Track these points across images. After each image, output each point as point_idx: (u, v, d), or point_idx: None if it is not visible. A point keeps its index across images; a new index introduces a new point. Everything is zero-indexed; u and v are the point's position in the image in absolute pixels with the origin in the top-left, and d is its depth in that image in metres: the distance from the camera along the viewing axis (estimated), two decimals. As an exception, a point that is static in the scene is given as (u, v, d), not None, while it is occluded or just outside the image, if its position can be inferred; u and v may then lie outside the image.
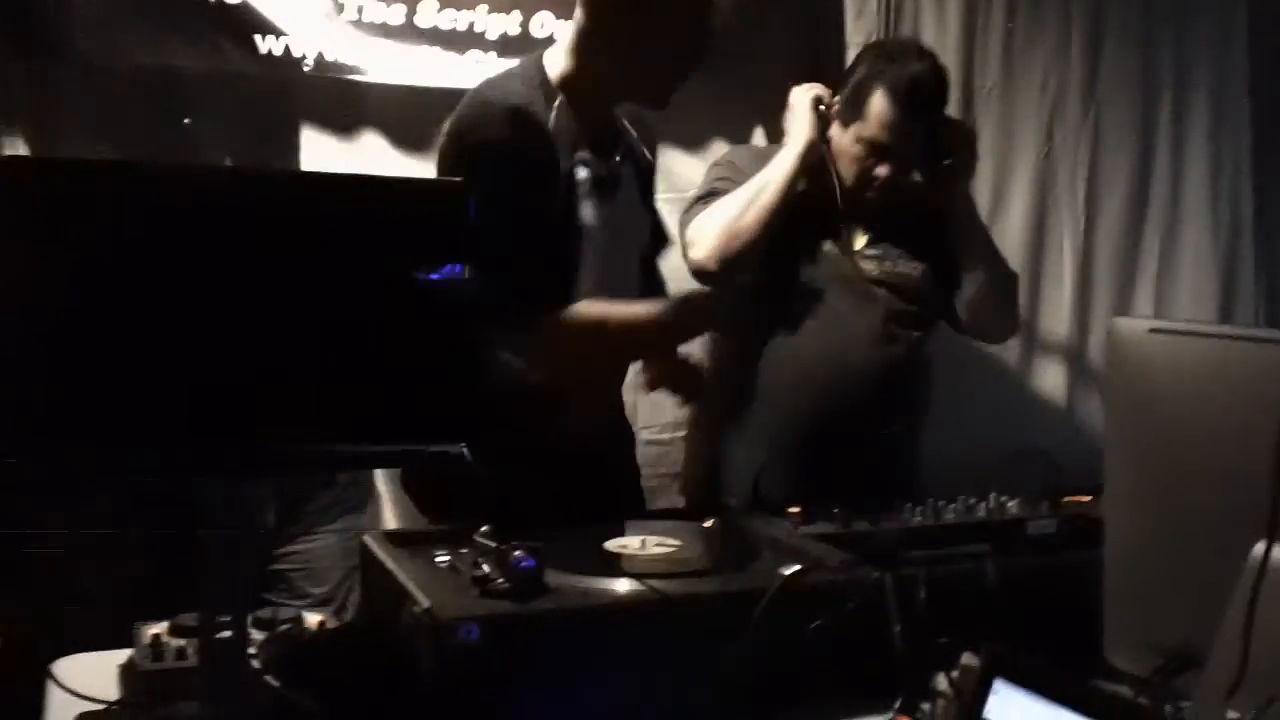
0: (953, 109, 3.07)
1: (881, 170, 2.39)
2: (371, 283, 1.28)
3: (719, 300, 2.20)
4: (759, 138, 2.97)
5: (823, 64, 2.96)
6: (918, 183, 2.48)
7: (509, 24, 2.77)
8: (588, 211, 2.09)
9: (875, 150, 2.37)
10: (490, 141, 1.96)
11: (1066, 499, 2.01)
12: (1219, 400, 1.30)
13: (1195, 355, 1.38)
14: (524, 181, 1.93)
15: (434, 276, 1.29)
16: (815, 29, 3.02)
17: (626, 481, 2.41)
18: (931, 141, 2.39)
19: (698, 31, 2.03)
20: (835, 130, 2.44)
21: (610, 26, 2.02)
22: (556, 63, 2.08)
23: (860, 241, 2.50)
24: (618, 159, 2.17)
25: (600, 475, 2.14)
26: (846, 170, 2.43)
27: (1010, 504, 1.98)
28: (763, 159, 2.45)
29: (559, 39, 2.14)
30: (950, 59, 3.09)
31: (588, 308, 2.00)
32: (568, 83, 2.08)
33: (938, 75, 2.40)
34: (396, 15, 2.68)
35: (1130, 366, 1.40)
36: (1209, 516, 1.28)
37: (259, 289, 1.24)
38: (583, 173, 2.09)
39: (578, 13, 2.05)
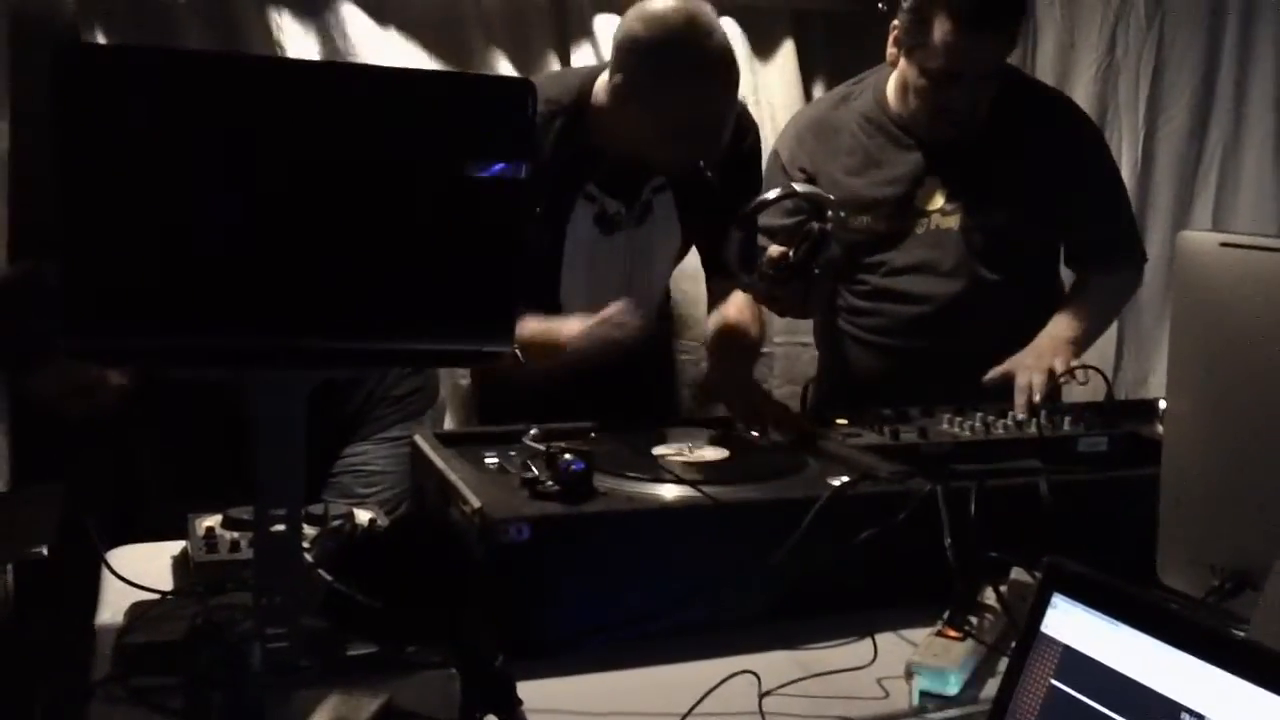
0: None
1: (955, 98, 2.19)
2: (431, 178, 1.26)
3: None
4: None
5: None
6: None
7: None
8: (583, 237, 2.09)
9: (945, 79, 2.16)
10: None
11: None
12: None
13: (1267, 270, 1.35)
14: None
15: (490, 173, 1.27)
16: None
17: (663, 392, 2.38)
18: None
19: (708, 138, 1.98)
20: (900, 62, 2.23)
21: (626, 100, 1.97)
22: (601, 88, 2.03)
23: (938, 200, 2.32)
24: (646, 194, 2.13)
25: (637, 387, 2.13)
26: (916, 106, 2.25)
27: (1063, 420, 1.95)
28: None
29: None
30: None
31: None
32: (599, 113, 2.03)
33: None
34: None
35: (1199, 281, 1.37)
36: (1273, 436, 1.27)
37: (324, 184, 1.22)
38: (584, 207, 2.07)
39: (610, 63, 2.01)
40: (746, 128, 2.18)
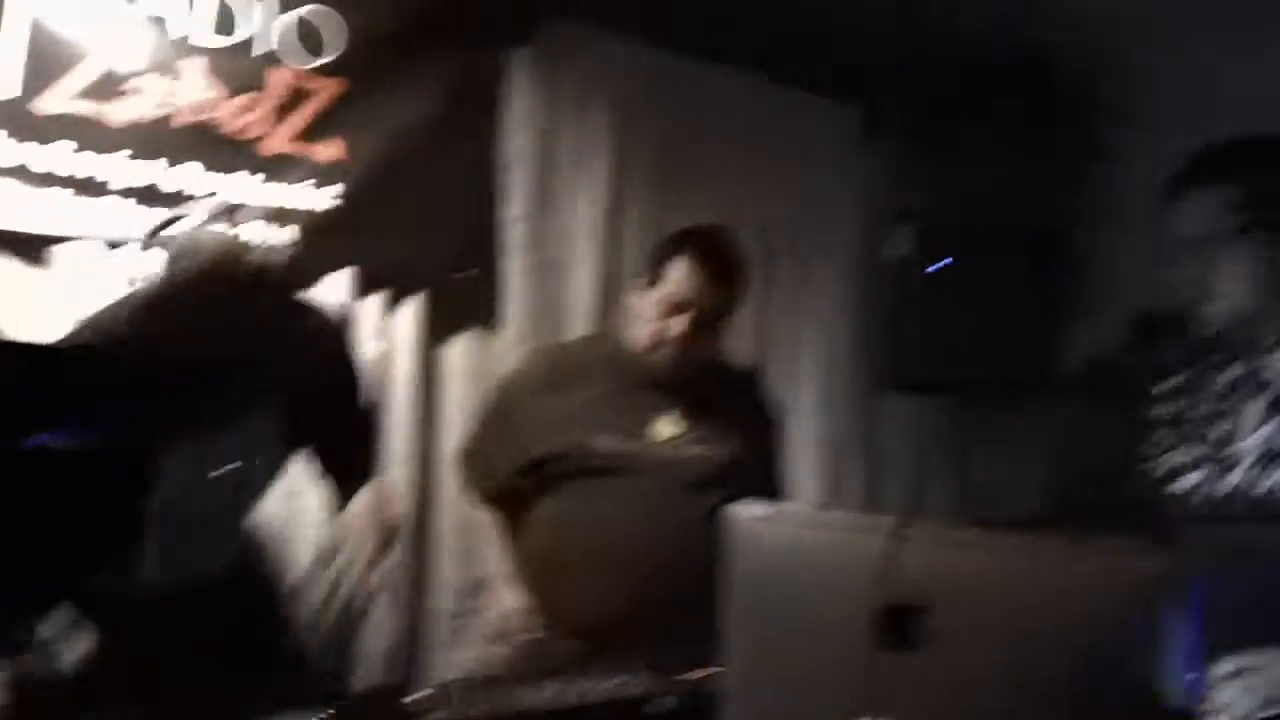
0: (596, 285, 3.24)
1: (678, 324, 2.41)
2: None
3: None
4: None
5: (478, 240, 3.03)
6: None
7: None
8: None
9: (674, 309, 2.41)
10: None
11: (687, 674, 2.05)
12: (825, 581, 1.39)
13: (804, 540, 1.47)
14: None
15: (43, 442, 1.20)
16: (475, 205, 3.06)
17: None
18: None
19: None
20: (636, 295, 2.48)
21: None
22: None
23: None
24: None
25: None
26: (642, 333, 2.44)
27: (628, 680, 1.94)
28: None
29: None
30: (594, 238, 3.26)
31: None
32: None
33: (739, 251, 2.51)
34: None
35: (744, 551, 1.47)
36: (821, 695, 1.35)
37: None
38: None
39: None
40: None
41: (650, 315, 2.43)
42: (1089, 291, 3.62)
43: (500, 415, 2.57)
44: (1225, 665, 1.65)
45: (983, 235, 3.52)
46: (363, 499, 2.09)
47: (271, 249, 1.77)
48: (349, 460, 2.13)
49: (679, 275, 2.41)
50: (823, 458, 3.75)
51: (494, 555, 2.53)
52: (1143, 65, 3.49)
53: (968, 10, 3.28)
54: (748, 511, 1.49)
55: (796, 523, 1.48)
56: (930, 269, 3.51)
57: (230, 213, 1.77)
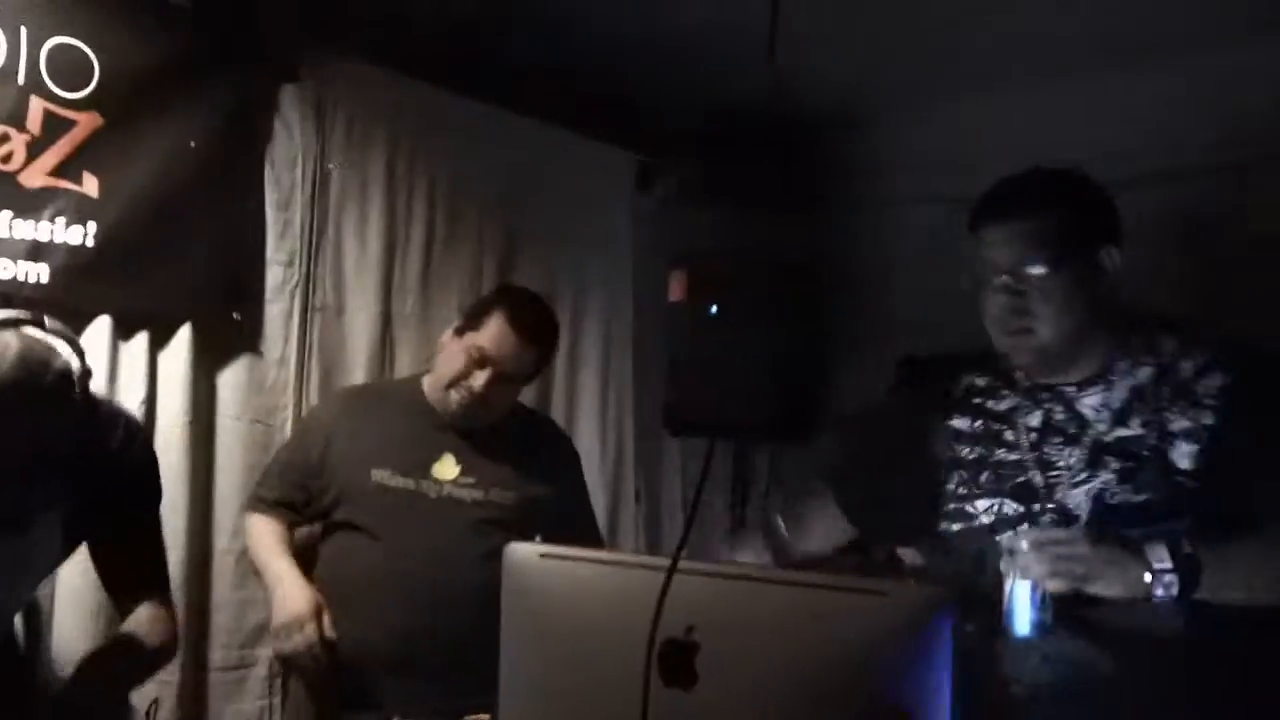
0: (373, 325, 3.19)
1: (481, 377, 2.49)
2: None
3: None
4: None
5: (239, 281, 2.93)
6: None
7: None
8: None
9: (480, 361, 2.50)
10: None
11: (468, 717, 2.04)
12: (602, 619, 1.40)
13: (581, 578, 1.48)
14: None
15: None
16: (240, 244, 2.96)
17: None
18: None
19: None
20: (448, 337, 2.58)
21: None
22: None
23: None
24: None
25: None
26: (446, 374, 2.53)
27: None
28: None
29: None
30: (370, 278, 3.20)
31: None
32: None
33: (553, 321, 2.65)
34: None
35: (522, 589, 1.47)
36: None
37: None
38: None
39: None
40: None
41: (457, 361, 2.53)
42: (860, 334, 3.78)
43: (292, 453, 2.66)
44: (1027, 536, 1.76)
45: (754, 280, 3.64)
46: (143, 613, 2.01)
47: (74, 356, 1.69)
48: (133, 571, 2.05)
49: (492, 332, 2.52)
50: (601, 500, 3.77)
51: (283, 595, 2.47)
52: (904, 116, 3.70)
53: (736, 66, 3.39)
54: (524, 550, 1.49)
55: (573, 561, 1.48)
56: (703, 313, 3.60)
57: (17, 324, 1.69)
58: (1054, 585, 1.71)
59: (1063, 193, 1.93)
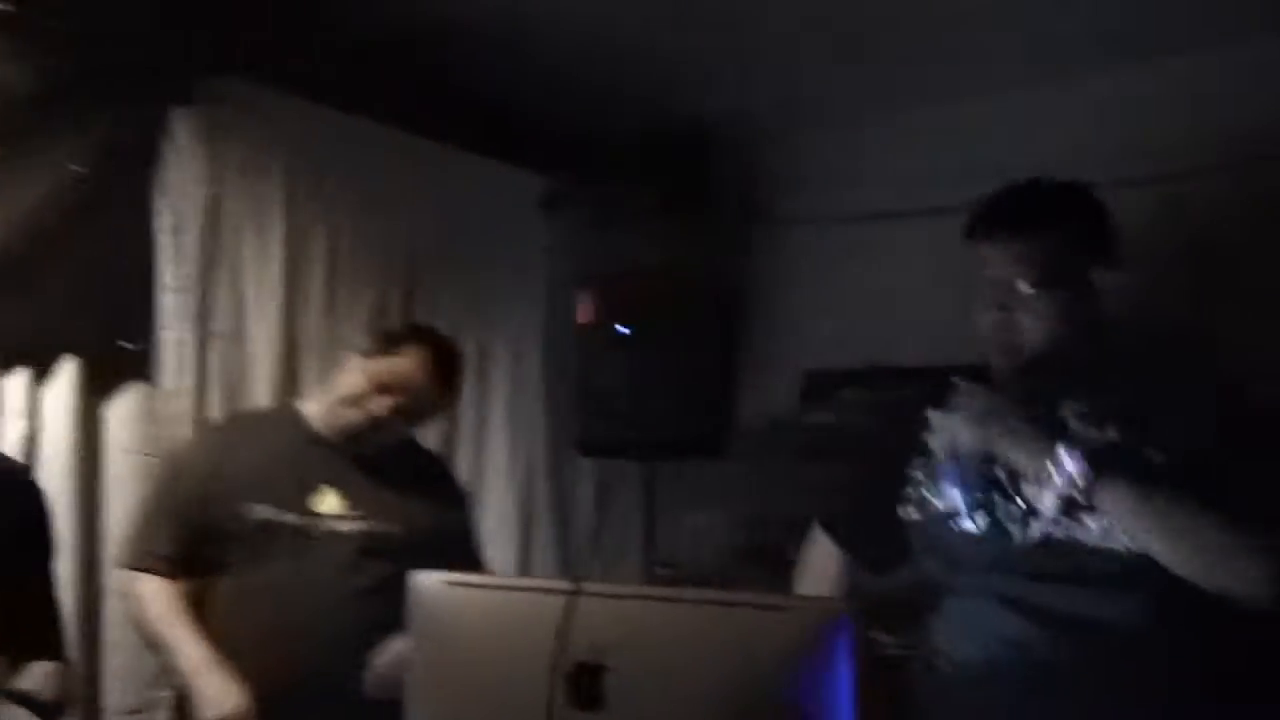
0: (273, 352, 3.11)
1: (381, 404, 2.47)
2: None
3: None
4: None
5: (129, 310, 2.85)
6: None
7: None
8: None
9: (384, 388, 2.49)
10: None
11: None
12: (510, 645, 1.39)
13: (488, 605, 1.47)
14: None
15: None
16: (131, 272, 2.87)
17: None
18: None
19: None
20: (353, 358, 2.57)
21: None
22: None
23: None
24: None
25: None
26: (345, 393, 2.51)
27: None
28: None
29: None
30: (271, 303, 3.13)
31: None
32: None
33: (461, 370, 2.68)
34: None
35: (430, 618, 1.46)
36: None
37: None
38: None
39: None
40: None
41: (360, 381, 2.51)
42: (766, 352, 3.80)
43: (162, 500, 2.51)
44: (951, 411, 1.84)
45: (662, 300, 3.64)
46: (36, 668, 1.94)
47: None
48: (24, 633, 1.97)
49: (403, 365, 2.53)
50: (513, 524, 3.73)
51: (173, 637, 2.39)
52: (807, 135, 3.74)
53: (637, 87, 3.40)
54: (429, 579, 1.48)
55: (479, 588, 1.48)
56: (613, 334, 3.59)
57: None
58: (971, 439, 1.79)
59: (1061, 210, 1.90)
